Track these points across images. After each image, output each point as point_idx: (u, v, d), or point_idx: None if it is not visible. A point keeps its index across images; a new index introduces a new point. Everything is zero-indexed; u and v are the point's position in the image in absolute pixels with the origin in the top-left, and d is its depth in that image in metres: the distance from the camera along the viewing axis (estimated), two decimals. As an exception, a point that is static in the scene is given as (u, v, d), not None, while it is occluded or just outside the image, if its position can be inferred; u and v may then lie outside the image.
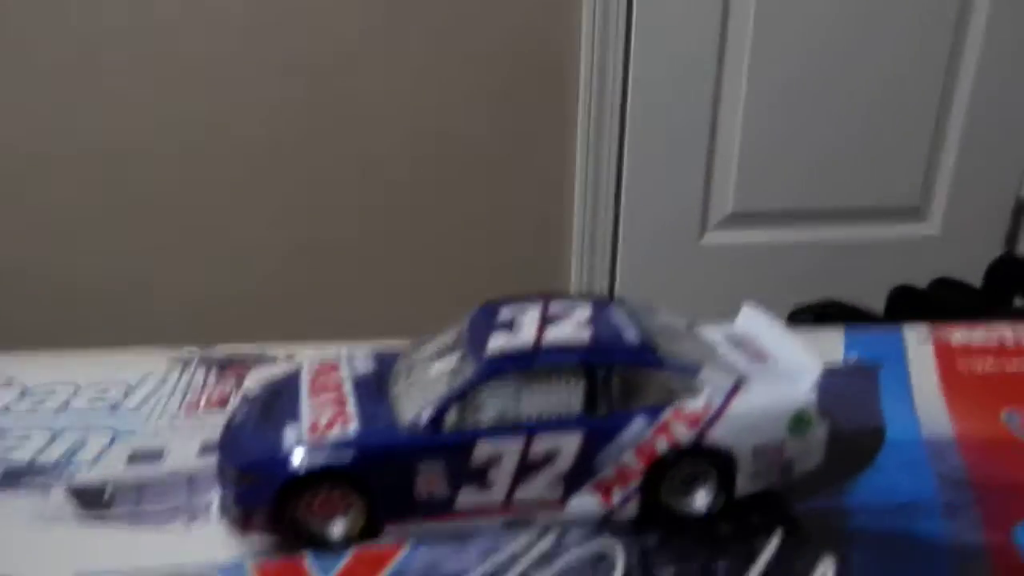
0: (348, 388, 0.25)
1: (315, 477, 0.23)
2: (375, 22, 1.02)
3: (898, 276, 0.84)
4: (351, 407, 0.24)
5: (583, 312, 0.26)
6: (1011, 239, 1.43)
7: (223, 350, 0.36)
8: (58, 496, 0.26)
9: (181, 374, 0.34)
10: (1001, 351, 0.37)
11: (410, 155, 1.09)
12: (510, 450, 0.23)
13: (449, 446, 0.23)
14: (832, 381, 0.32)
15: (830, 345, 0.37)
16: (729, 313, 0.30)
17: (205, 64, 0.99)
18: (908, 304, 0.81)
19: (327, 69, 1.03)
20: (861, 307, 0.73)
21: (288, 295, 1.09)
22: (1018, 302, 0.78)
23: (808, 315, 0.73)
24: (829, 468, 0.27)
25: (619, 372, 0.24)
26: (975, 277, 0.81)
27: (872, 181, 1.32)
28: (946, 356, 0.36)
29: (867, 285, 0.83)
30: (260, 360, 0.35)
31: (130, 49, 0.97)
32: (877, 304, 0.81)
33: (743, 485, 0.24)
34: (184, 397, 0.32)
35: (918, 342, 0.38)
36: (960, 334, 0.38)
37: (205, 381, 0.33)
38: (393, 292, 1.13)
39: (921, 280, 0.83)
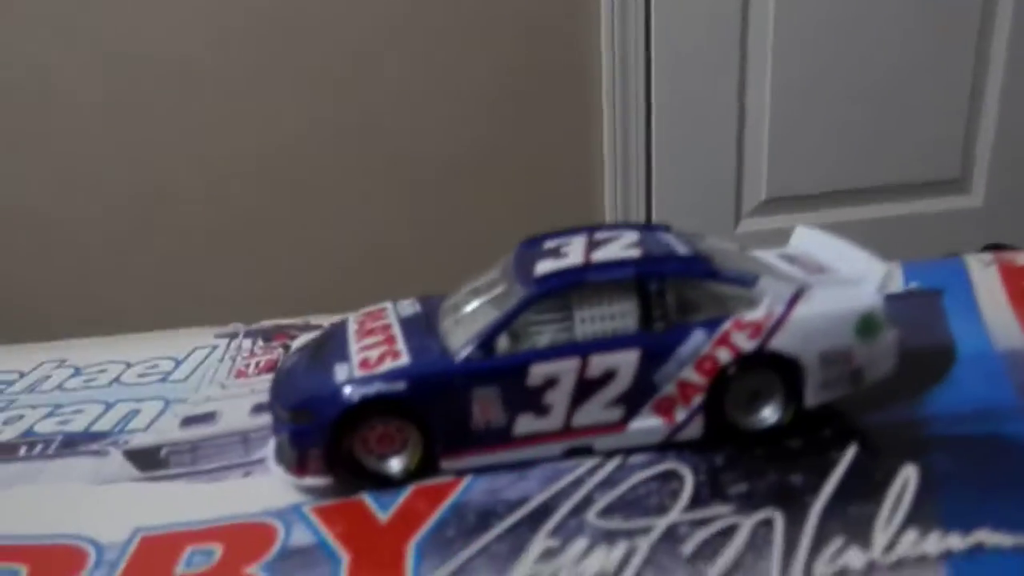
0: (396, 329, 0.25)
1: (369, 409, 0.22)
2: (391, 34, 1.03)
3: (944, 250, 0.82)
4: (400, 344, 0.24)
5: (631, 235, 0.25)
6: None
7: (268, 323, 0.36)
8: (115, 459, 0.26)
9: (228, 345, 0.34)
10: (1071, 268, 0.35)
11: (436, 160, 1.10)
12: (566, 371, 0.22)
13: (503, 370, 0.22)
14: (894, 306, 0.31)
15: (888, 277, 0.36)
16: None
17: (218, 72, 1.01)
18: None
19: (348, 82, 1.04)
20: None
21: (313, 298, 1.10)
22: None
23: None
24: (899, 384, 0.26)
25: (673, 285, 0.23)
26: (1022, 245, 0.79)
27: (909, 155, 1.28)
28: (1012, 275, 0.35)
29: (913, 260, 0.81)
30: (306, 328, 0.35)
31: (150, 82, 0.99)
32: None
33: (813, 395, 0.23)
34: (233, 364, 0.32)
35: (982, 266, 0.36)
36: (1023, 256, 0.37)
37: (252, 349, 0.33)
38: (415, 270, 1.12)
39: (968, 252, 0.81)
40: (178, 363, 0.33)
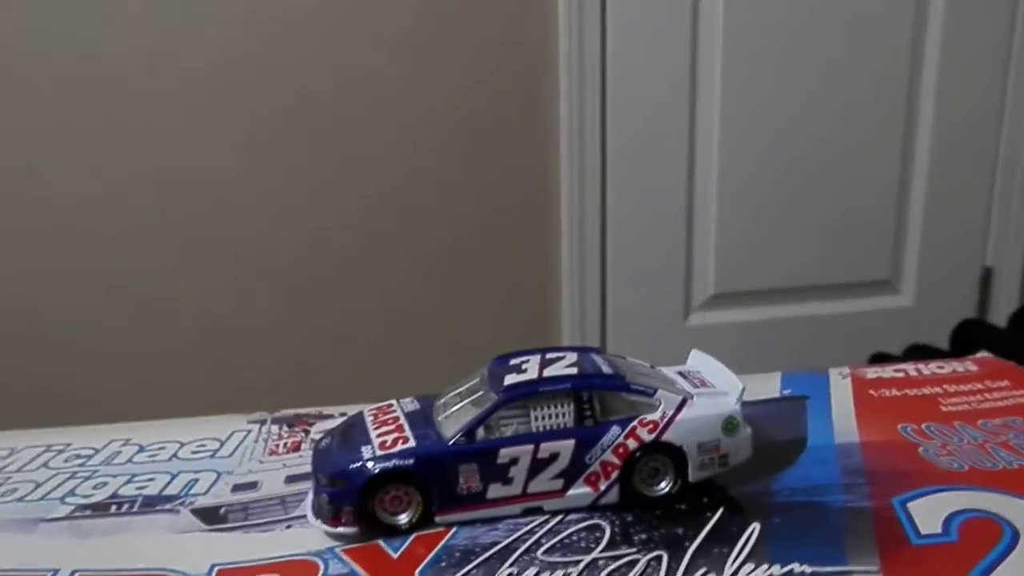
0: (403, 420, 0.35)
1: (386, 478, 0.32)
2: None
3: (875, 347, 0.94)
4: (407, 431, 0.34)
5: (572, 357, 0.35)
6: (982, 306, 1.54)
7: (288, 412, 0.46)
8: (185, 515, 0.35)
9: (260, 429, 0.43)
10: (904, 382, 0.47)
11: (406, 241, 1.20)
12: (524, 453, 0.32)
13: (480, 452, 0.32)
14: (767, 408, 0.42)
15: (771, 384, 0.47)
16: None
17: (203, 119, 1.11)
18: (886, 368, 0.91)
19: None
20: None
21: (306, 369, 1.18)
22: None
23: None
24: (761, 466, 0.36)
25: (598, 395, 0.33)
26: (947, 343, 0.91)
27: (844, 258, 1.43)
28: (860, 386, 0.46)
29: (846, 356, 0.92)
30: (319, 417, 0.45)
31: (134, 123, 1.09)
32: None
33: (693, 474, 0.33)
34: (266, 444, 0.41)
35: (840, 378, 0.47)
36: (873, 370, 0.48)
37: (280, 433, 0.43)
38: (387, 370, 1.21)
39: (897, 350, 0.93)
40: (222, 443, 0.42)
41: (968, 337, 1.24)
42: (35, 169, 1.06)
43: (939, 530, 0.31)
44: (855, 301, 1.47)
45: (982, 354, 0.51)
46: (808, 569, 0.29)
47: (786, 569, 0.29)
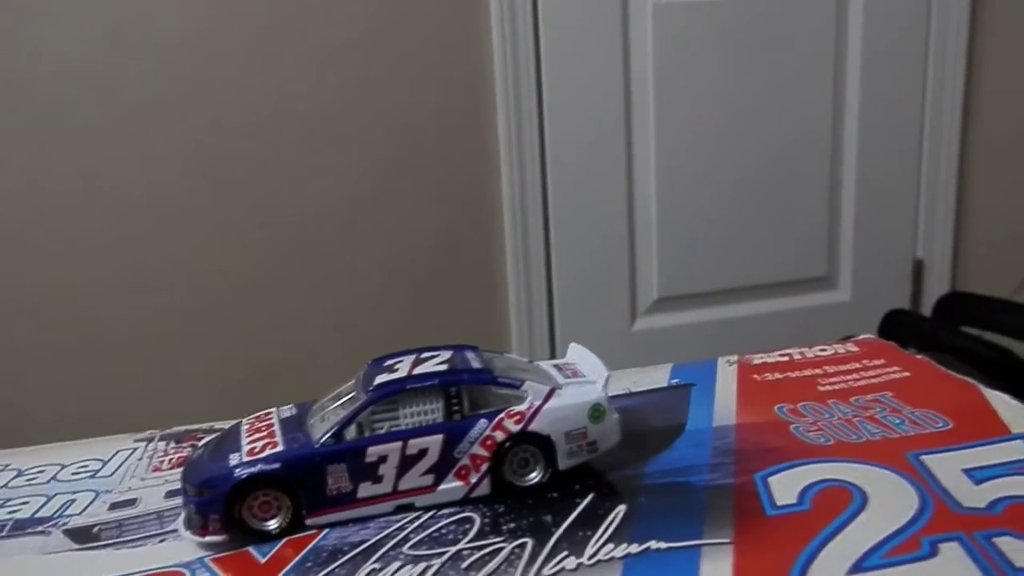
0: (276, 427, 0.35)
1: (253, 483, 0.32)
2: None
3: (817, 340, 0.97)
4: (278, 437, 0.34)
5: (444, 355, 0.36)
6: (915, 297, 1.60)
7: (179, 428, 0.45)
8: (57, 536, 0.35)
9: (146, 447, 0.43)
10: (787, 366, 0.48)
11: (352, 259, 1.20)
12: (392, 451, 0.33)
13: (348, 451, 0.32)
14: (652, 397, 0.43)
15: (660, 375, 0.48)
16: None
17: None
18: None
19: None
20: None
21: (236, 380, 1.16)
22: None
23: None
24: (638, 451, 0.37)
25: (466, 389, 0.34)
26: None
27: (782, 257, 1.47)
28: (745, 371, 0.47)
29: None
30: (210, 432, 0.44)
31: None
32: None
33: (563, 461, 0.34)
34: (150, 461, 0.41)
35: (727, 364, 0.49)
36: (759, 356, 0.50)
37: (166, 450, 0.42)
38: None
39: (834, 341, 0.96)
40: (104, 463, 0.41)
41: (895, 325, 1.29)
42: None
43: (794, 500, 0.32)
44: (795, 298, 1.51)
45: (865, 336, 0.54)
46: (664, 545, 0.30)
47: (643, 547, 0.30)
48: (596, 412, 0.35)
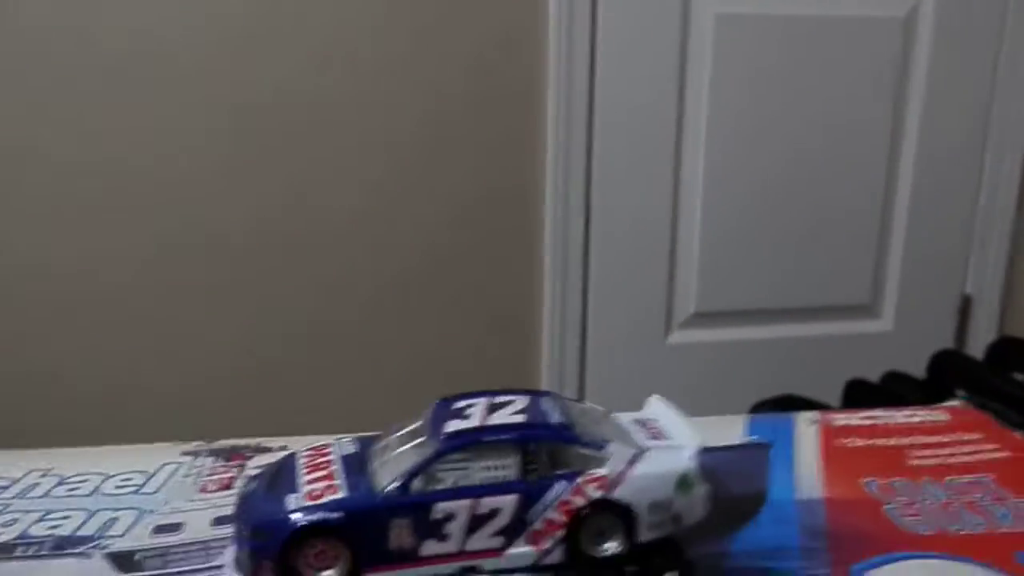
0: (337, 466, 0.32)
1: (312, 532, 0.29)
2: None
3: (854, 370, 0.93)
4: (339, 479, 0.31)
5: (521, 402, 0.33)
6: (960, 333, 1.54)
7: (226, 443, 0.43)
8: (97, 561, 0.33)
9: (192, 462, 0.41)
10: (872, 430, 0.45)
11: (382, 265, 1.18)
12: (462, 509, 0.30)
13: (414, 505, 0.30)
14: (727, 456, 0.40)
15: (733, 429, 0.45)
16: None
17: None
18: (862, 396, 0.90)
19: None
20: (816, 400, 0.81)
21: (277, 387, 1.15)
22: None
23: (768, 409, 0.80)
24: (718, 523, 0.34)
25: (545, 447, 0.31)
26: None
27: (825, 281, 1.42)
28: (828, 434, 0.44)
29: (825, 378, 0.91)
30: (259, 450, 0.42)
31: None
32: (833, 397, 0.89)
33: (643, 533, 0.31)
34: (196, 481, 0.39)
35: (807, 424, 0.46)
36: (842, 417, 0.47)
37: (213, 468, 0.40)
38: (366, 390, 1.19)
39: (875, 374, 0.92)
40: (149, 477, 0.39)
41: (944, 367, 1.24)
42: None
43: (900, 605, 0.29)
44: (835, 324, 1.46)
45: (954, 402, 0.50)
46: (759, 646, 0.27)
47: (736, 646, 0.27)
48: (684, 483, 0.32)
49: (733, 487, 0.37)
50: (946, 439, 0.43)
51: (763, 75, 1.28)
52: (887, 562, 0.32)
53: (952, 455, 0.42)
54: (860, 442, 0.43)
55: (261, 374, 1.15)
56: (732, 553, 0.32)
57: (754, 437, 0.44)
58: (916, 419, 0.46)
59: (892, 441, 0.43)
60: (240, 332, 1.14)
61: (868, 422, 0.46)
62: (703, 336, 1.41)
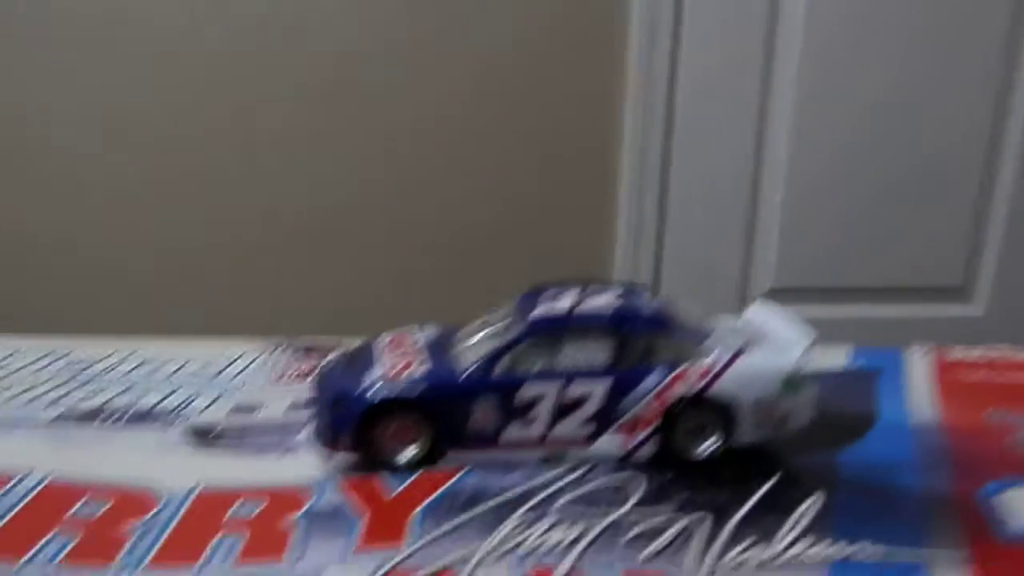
0: (419, 346, 0.31)
1: (391, 406, 0.28)
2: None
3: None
4: (422, 358, 0.30)
5: (615, 292, 0.31)
6: None
7: (304, 340, 0.42)
8: (177, 432, 0.32)
9: (272, 353, 0.40)
10: (993, 365, 0.41)
11: (460, 220, 1.16)
12: (549, 392, 0.28)
13: (499, 386, 0.28)
14: (833, 377, 0.37)
15: (836, 356, 0.42)
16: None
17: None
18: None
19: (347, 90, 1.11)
20: None
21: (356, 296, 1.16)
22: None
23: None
24: (824, 437, 0.31)
25: (641, 334, 0.29)
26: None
27: (914, 260, 1.34)
28: (942, 367, 0.40)
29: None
30: (337, 347, 0.41)
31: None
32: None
33: (745, 434, 0.29)
34: (274, 369, 0.38)
35: (919, 356, 0.42)
36: (959, 351, 0.43)
37: (291, 360, 0.39)
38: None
39: None
40: (230, 363, 0.39)
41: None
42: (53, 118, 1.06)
43: (1037, 526, 0.26)
44: (923, 306, 1.38)
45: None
46: (880, 549, 0.24)
47: (853, 548, 0.24)
48: (791, 382, 0.29)
49: (841, 407, 0.34)
50: (1079, 377, 0.39)
51: (861, 43, 1.20)
52: (1019, 484, 0.28)
53: (1087, 394, 0.37)
54: (979, 376, 0.40)
55: (351, 300, 1.16)
56: (842, 464, 0.30)
57: (860, 363, 0.41)
58: (1043, 357, 0.42)
59: (1015, 376, 0.39)
60: (320, 259, 1.15)
61: (987, 358, 0.42)
62: (781, 313, 1.36)
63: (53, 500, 0.27)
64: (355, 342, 0.42)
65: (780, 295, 1.33)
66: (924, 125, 1.26)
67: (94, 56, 1.04)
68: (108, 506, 0.27)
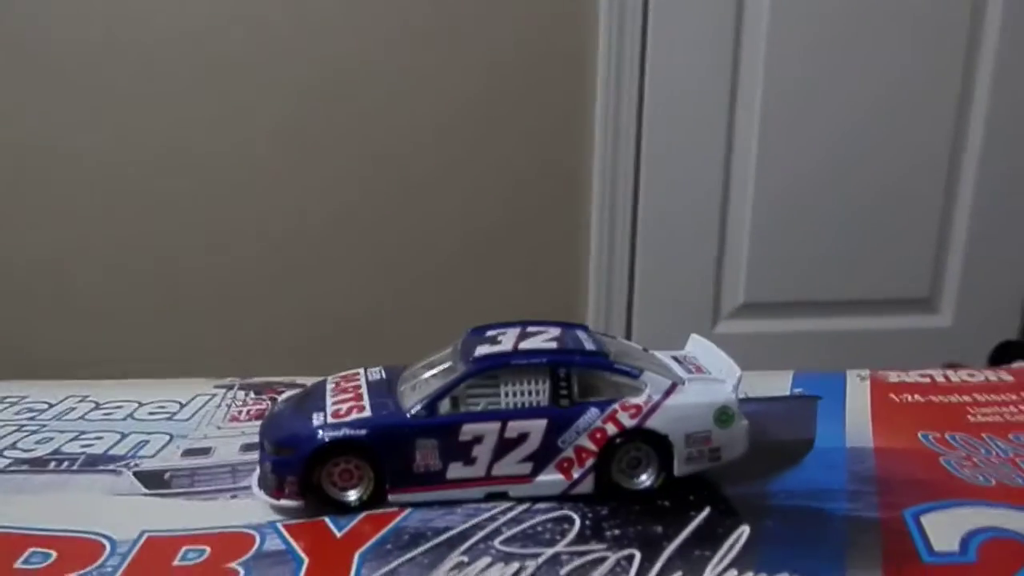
0: (364, 389, 0.32)
1: (335, 448, 0.29)
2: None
3: (910, 367, 0.89)
4: (365, 401, 0.31)
5: (554, 331, 0.32)
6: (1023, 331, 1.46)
7: (260, 379, 0.43)
8: (127, 477, 0.33)
9: (225, 395, 0.41)
10: (929, 388, 0.42)
11: (426, 244, 1.17)
12: (490, 431, 0.29)
13: (441, 427, 0.29)
14: (775, 405, 0.38)
15: (780, 383, 0.43)
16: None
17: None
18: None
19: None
20: None
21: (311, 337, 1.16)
22: None
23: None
24: (761, 465, 0.32)
25: (577, 373, 0.30)
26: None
27: (881, 273, 1.37)
28: (879, 389, 0.42)
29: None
30: (291, 386, 0.42)
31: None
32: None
33: (679, 467, 0.30)
34: (228, 410, 0.39)
35: (859, 380, 0.43)
36: (895, 374, 0.44)
37: (245, 400, 0.40)
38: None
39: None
40: (182, 406, 0.39)
41: (1007, 358, 1.18)
42: (60, 148, 1.06)
43: (955, 548, 0.27)
44: (891, 319, 1.40)
45: (1019, 364, 0.47)
46: (800, 580, 0.25)
47: (774, 579, 0.25)
48: (724, 416, 0.30)
49: (778, 434, 0.35)
50: (1009, 398, 0.41)
51: (818, 58, 1.24)
52: (941, 508, 0.30)
53: (1016, 414, 0.39)
54: (915, 398, 0.41)
55: (320, 333, 1.16)
56: (773, 492, 0.31)
57: (800, 390, 0.42)
58: (977, 379, 0.43)
59: (950, 398, 0.41)
60: (288, 297, 1.16)
61: (924, 379, 0.43)
62: (751, 327, 1.37)
63: (-2, 553, 0.27)
64: (308, 381, 0.42)
65: (751, 310, 1.35)
66: (889, 143, 1.30)
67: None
68: (54, 558, 0.27)
